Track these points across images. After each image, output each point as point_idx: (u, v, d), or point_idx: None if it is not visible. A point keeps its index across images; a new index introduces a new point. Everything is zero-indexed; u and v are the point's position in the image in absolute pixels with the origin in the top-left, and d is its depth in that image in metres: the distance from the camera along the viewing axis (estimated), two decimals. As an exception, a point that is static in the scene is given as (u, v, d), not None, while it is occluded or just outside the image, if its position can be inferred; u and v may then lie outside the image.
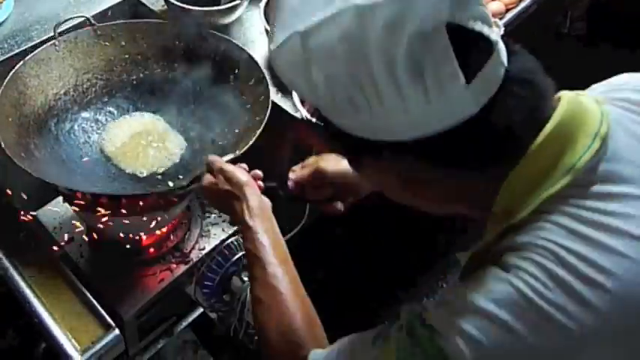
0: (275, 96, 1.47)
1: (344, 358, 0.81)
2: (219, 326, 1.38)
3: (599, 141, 0.70)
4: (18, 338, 1.79)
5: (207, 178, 1.05)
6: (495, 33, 0.68)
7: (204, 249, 1.40)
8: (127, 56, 1.43)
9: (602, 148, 0.70)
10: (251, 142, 1.18)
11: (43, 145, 1.28)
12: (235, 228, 1.33)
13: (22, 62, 1.30)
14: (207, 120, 1.37)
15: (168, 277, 1.34)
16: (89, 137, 1.38)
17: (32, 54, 1.33)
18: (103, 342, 1.21)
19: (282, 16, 0.71)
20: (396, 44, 0.63)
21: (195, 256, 1.39)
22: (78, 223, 1.36)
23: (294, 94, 1.45)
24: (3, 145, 1.14)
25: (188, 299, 1.39)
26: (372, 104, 0.67)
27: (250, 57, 1.37)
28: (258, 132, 1.22)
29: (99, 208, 1.21)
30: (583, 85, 0.86)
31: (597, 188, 0.69)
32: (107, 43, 1.41)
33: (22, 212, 1.35)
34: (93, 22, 1.41)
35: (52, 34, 1.36)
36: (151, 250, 1.37)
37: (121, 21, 1.46)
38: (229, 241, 1.30)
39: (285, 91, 1.48)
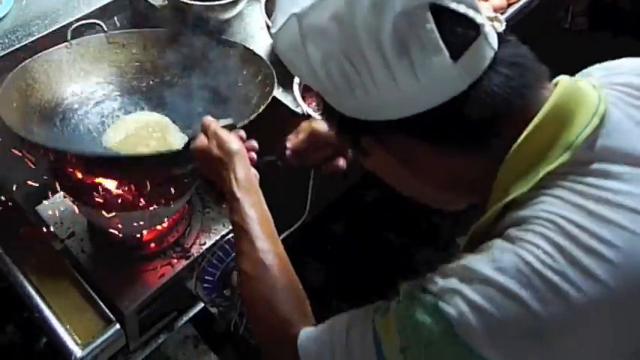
0: (276, 91, 1.47)
1: (339, 333, 0.79)
2: (219, 321, 1.38)
3: (597, 118, 0.71)
4: (18, 333, 1.79)
5: (201, 139, 1.03)
6: (481, 17, 0.70)
7: (204, 244, 1.41)
8: (137, 64, 1.44)
9: (601, 125, 0.71)
10: (252, 117, 1.16)
11: (44, 132, 1.28)
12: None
13: (32, 58, 1.31)
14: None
15: (168, 272, 1.34)
16: (93, 135, 1.38)
17: (44, 52, 1.34)
18: (104, 337, 1.22)
19: (282, 2, 0.76)
20: (382, 23, 0.67)
21: (195, 251, 1.39)
22: (79, 218, 1.37)
23: (295, 90, 1.45)
24: (2, 117, 1.14)
25: (189, 294, 1.39)
26: (364, 82, 0.71)
27: (258, 56, 1.37)
28: (262, 108, 1.21)
29: (91, 181, 1.20)
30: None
31: (596, 166, 0.70)
32: (118, 51, 1.43)
33: (22, 207, 1.35)
34: (105, 29, 1.43)
35: (52, 29, 1.38)
36: (152, 245, 1.37)
37: (134, 30, 1.47)
38: (230, 236, 1.30)
39: (286, 85, 1.48)
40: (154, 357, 1.60)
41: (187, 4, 1.52)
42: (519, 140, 0.71)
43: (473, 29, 0.69)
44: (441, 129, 0.71)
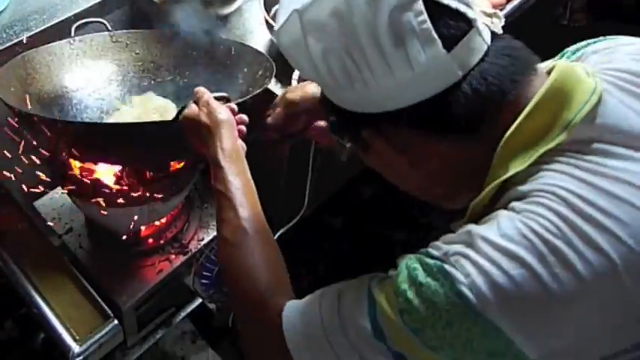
0: (274, 86, 1.47)
1: (329, 300, 0.78)
2: (217, 317, 1.39)
3: (596, 96, 0.72)
4: (17, 329, 1.79)
5: (192, 108, 1.02)
6: (473, 13, 0.73)
7: (202, 240, 1.41)
8: (140, 63, 1.44)
9: (599, 103, 0.73)
10: (247, 98, 1.15)
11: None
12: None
13: (34, 49, 1.31)
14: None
15: (166, 267, 1.34)
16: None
17: (47, 45, 1.34)
18: (102, 332, 1.21)
19: (284, 0, 0.79)
20: (378, 17, 0.70)
21: (193, 247, 1.39)
22: (77, 214, 1.36)
23: (294, 84, 1.45)
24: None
25: (187, 290, 1.39)
26: (363, 75, 0.73)
27: (258, 52, 1.37)
28: (259, 90, 1.21)
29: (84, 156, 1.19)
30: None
31: (595, 145, 0.72)
32: (121, 50, 1.43)
33: (20, 202, 1.35)
34: (109, 27, 1.44)
35: (50, 24, 1.37)
36: (150, 240, 1.37)
37: (137, 30, 1.47)
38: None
39: (284, 81, 1.47)
40: (151, 352, 1.60)
41: (186, -1, 1.52)
42: (518, 121, 0.72)
43: (465, 22, 0.72)
44: (438, 118, 0.73)
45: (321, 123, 1.16)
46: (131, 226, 1.33)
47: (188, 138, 1.03)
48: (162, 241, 1.38)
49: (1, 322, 1.79)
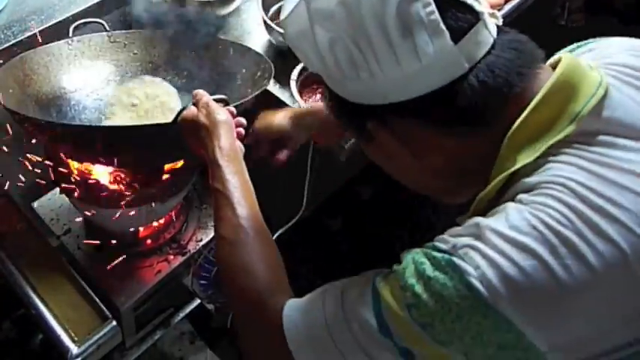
0: (273, 87, 1.47)
1: (332, 297, 0.77)
2: (216, 317, 1.38)
3: (602, 90, 0.73)
4: (15, 330, 1.79)
5: (191, 109, 1.03)
6: (480, 6, 0.73)
7: (201, 240, 1.40)
8: (138, 63, 1.44)
9: (605, 97, 0.73)
10: (245, 100, 1.16)
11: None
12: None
13: (32, 50, 1.31)
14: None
15: (165, 268, 1.34)
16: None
17: (45, 46, 1.34)
18: (100, 333, 1.21)
19: None
20: (386, 6, 0.70)
21: (192, 247, 1.39)
22: (75, 215, 1.36)
23: (292, 86, 1.45)
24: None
25: (185, 291, 1.39)
26: (370, 64, 0.73)
27: (256, 53, 1.37)
28: (257, 92, 1.21)
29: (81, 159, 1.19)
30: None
31: (602, 138, 0.72)
32: (119, 50, 1.43)
33: (18, 203, 1.34)
34: (107, 28, 1.44)
35: (48, 24, 1.37)
36: (148, 241, 1.37)
37: (135, 30, 1.47)
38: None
39: (282, 82, 1.48)
40: (150, 353, 1.60)
41: (184, -1, 1.52)
42: (525, 113, 0.72)
43: (472, 15, 0.72)
44: (444, 110, 0.73)
45: (283, 155, 1.19)
46: (129, 227, 1.33)
47: (186, 139, 1.03)
48: (160, 242, 1.38)
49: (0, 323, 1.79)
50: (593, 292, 0.66)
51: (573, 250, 0.65)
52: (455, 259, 0.68)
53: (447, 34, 0.70)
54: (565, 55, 0.77)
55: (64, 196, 1.31)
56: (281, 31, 1.49)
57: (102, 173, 1.29)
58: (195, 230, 1.42)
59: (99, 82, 1.41)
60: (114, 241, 1.35)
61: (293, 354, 0.77)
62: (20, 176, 1.31)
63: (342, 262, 2.19)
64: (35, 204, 1.39)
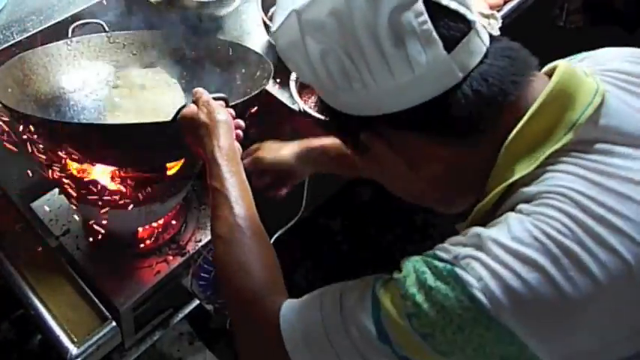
0: (272, 88, 1.47)
1: (330, 300, 0.76)
2: (215, 318, 1.38)
3: (599, 97, 0.72)
4: (13, 330, 1.79)
5: (191, 107, 1.03)
6: (472, 15, 0.73)
7: (200, 241, 1.40)
8: (137, 64, 1.44)
9: (602, 104, 0.72)
10: (245, 99, 1.16)
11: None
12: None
13: (31, 50, 1.31)
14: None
15: (164, 269, 1.34)
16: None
17: (44, 46, 1.34)
18: (100, 334, 1.21)
19: (281, 2, 0.77)
20: (378, 17, 0.69)
21: (191, 248, 1.39)
22: (74, 215, 1.36)
23: (292, 87, 1.45)
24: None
25: (184, 291, 1.39)
26: (362, 76, 0.72)
27: (255, 53, 1.37)
28: (256, 92, 1.21)
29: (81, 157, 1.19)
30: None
31: (599, 146, 0.71)
32: (118, 50, 1.43)
33: (17, 204, 1.34)
34: (107, 28, 1.43)
35: (47, 25, 1.38)
36: (148, 242, 1.37)
37: (135, 31, 1.47)
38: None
39: (282, 83, 1.47)
40: (149, 354, 1.60)
41: (184, 0, 1.52)
42: (521, 122, 0.72)
43: (464, 24, 0.72)
44: (438, 121, 0.72)
45: (283, 191, 1.21)
46: (128, 228, 1.33)
47: (185, 137, 1.03)
48: (159, 243, 1.37)
49: (-2, 324, 1.79)
50: (596, 304, 0.65)
51: (576, 262, 0.65)
52: (457, 269, 0.67)
53: (440, 43, 0.70)
54: (561, 63, 0.76)
55: (62, 196, 1.31)
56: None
57: (101, 173, 1.29)
58: (195, 231, 1.42)
59: (98, 83, 1.41)
60: (113, 242, 1.35)
61: (289, 354, 0.77)
62: (19, 176, 1.30)
63: (342, 263, 2.19)
64: (34, 204, 1.39)
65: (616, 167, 0.69)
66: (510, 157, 0.72)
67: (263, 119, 1.25)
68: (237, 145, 1.00)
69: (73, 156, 1.19)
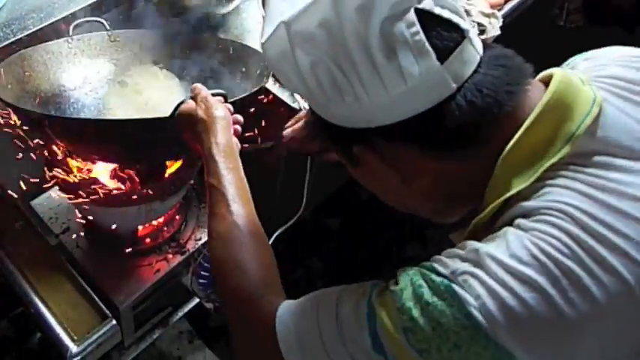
0: (272, 86, 1.47)
1: (326, 306, 0.75)
2: (215, 317, 1.38)
3: (597, 107, 0.71)
4: (12, 328, 1.79)
5: (189, 103, 1.02)
6: (465, 24, 0.71)
7: (200, 239, 1.40)
8: (137, 62, 1.44)
9: (600, 115, 0.71)
10: (244, 95, 1.15)
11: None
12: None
13: (32, 47, 1.31)
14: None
15: (164, 267, 1.34)
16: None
17: (45, 43, 1.34)
18: (100, 332, 1.21)
19: (270, 12, 0.76)
20: (369, 27, 0.68)
21: (191, 246, 1.39)
22: (74, 214, 1.36)
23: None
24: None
25: (184, 290, 1.39)
26: (354, 88, 0.70)
27: (258, 52, 1.37)
28: (256, 89, 1.21)
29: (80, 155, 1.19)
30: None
31: (597, 158, 0.70)
32: (119, 49, 1.43)
33: (17, 202, 1.34)
34: (108, 27, 1.44)
35: (48, 22, 1.37)
36: (147, 240, 1.37)
37: (136, 30, 1.47)
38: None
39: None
40: (148, 352, 1.60)
41: (184, -2, 1.52)
42: (518, 134, 0.70)
43: (458, 33, 0.70)
44: (432, 133, 0.71)
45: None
46: (128, 226, 1.33)
47: (183, 133, 1.02)
48: (159, 241, 1.38)
49: (-2, 322, 1.79)
50: (596, 324, 0.64)
51: (575, 282, 0.64)
52: (454, 286, 0.66)
53: (432, 54, 0.68)
54: (557, 71, 0.74)
55: (62, 194, 1.31)
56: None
57: (101, 171, 1.29)
58: (194, 229, 1.42)
59: (98, 81, 1.40)
60: (113, 240, 1.35)
61: (283, 355, 0.76)
62: (19, 174, 1.30)
63: (341, 262, 2.19)
64: (34, 202, 1.39)
65: (616, 182, 0.68)
66: (508, 170, 0.71)
67: (263, 118, 1.25)
68: (235, 140, 1.00)
69: (72, 153, 1.19)
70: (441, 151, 0.72)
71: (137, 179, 1.27)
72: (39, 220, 1.37)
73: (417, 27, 0.68)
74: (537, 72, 0.78)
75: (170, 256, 1.36)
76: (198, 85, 1.05)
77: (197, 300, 1.47)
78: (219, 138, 0.96)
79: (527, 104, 0.71)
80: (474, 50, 0.71)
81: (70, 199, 1.28)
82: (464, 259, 0.68)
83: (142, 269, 1.33)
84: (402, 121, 0.71)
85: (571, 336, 0.64)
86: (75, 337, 1.20)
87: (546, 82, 0.73)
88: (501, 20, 1.61)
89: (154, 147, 1.18)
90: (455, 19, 0.70)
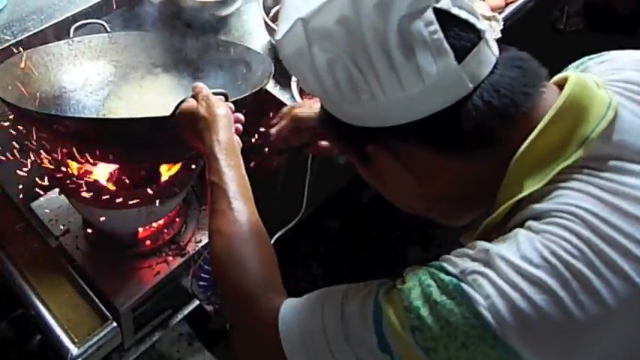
0: (273, 88, 1.47)
1: (332, 304, 0.74)
2: (215, 319, 1.38)
3: (612, 112, 0.70)
4: (12, 330, 1.78)
5: (190, 101, 1.02)
6: (481, 24, 0.71)
7: (200, 242, 1.40)
8: (138, 64, 1.44)
9: (615, 119, 0.70)
10: (245, 95, 1.16)
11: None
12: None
13: (33, 49, 1.31)
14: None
15: (164, 269, 1.34)
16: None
17: (45, 45, 1.34)
18: (101, 334, 1.21)
19: (285, 9, 0.75)
20: (388, 25, 0.67)
21: (191, 248, 1.39)
22: (74, 215, 1.36)
23: (293, 86, 1.45)
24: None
25: (184, 292, 1.39)
26: (371, 85, 0.70)
27: (258, 54, 1.38)
28: (257, 89, 1.21)
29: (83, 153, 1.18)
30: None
31: (612, 163, 0.69)
32: (119, 51, 1.43)
33: (18, 204, 1.34)
34: (108, 29, 1.44)
35: (48, 24, 1.38)
36: (147, 242, 1.37)
37: (136, 32, 1.47)
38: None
39: (283, 83, 1.48)
40: (148, 354, 1.60)
41: (185, 0, 1.52)
42: (532, 136, 0.70)
43: (474, 33, 0.70)
44: (448, 133, 0.71)
45: (324, 142, 1.17)
46: (128, 228, 1.33)
47: (184, 131, 1.02)
48: (159, 243, 1.37)
49: (-3, 324, 1.78)
50: (605, 328, 0.64)
51: (586, 285, 0.63)
52: (463, 285, 0.65)
53: (451, 53, 0.68)
54: (571, 75, 0.74)
55: (63, 196, 1.31)
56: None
57: (101, 173, 1.29)
58: (195, 231, 1.42)
59: (99, 83, 1.41)
60: (113, 242, 1.35)
61: (286, 355, 0.76)
62: (19, 176, 1.30)
63: (341, 264, 2.19)
64: (34, 204, 1.39)
65: (630, 187, 0.67)
66: (520, 171, 0.70)
67: (264, 120, 1.25)
68: (236, 138, 1.00)
69: (73, 153, 1.18)
70: (456, 151, 0.72)
71: (137, 182, 1.27)
72: (39, 222, 1.37)
73: (436, 26, 0.68)
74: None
75: (170, 258, 1.36)
76: (199, 84, 1.05)
77: (197, 302, 1.46)
78: (221, 136, 0.96)
79: (542, 106, 0.71)
80: (490, 51, 0.71)
81: (70, 201, 1.28)
82: (473, 259, 0.68)
83: (142, 271, 1.33)
84: (417, 120, 0.70)
85: (579, 338, 0.64)
86: (75, 339, 1.19)
87: (560, 86, 0.73)
88: (502, 23, 1.61)
89: (156, 147, 1.18)
90: (472, 19, 0.71)
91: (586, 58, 0.86)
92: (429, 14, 0.68)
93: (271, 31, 1.53)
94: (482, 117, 0.69)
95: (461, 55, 0.69)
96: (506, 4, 1.75)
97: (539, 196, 0.70)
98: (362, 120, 0.74)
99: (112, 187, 1.27)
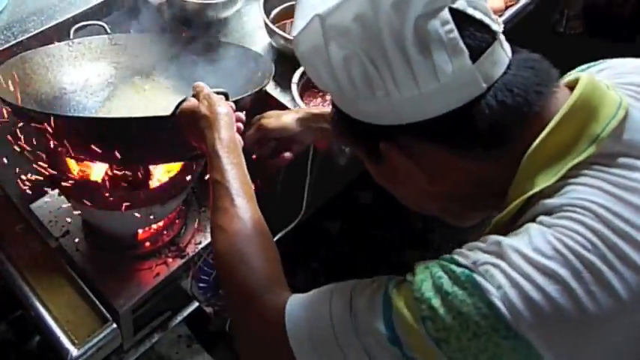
0: (274, 90, 1.47)
1: (340, 299, 0.74)
2: (215, 321, 1.38)
3: (623, 111, 0.71)
4: (11, 331, 1.78)
5: (191, 100, 1.02)
6: (496, 25, 0.72)
7: (200, 243, 1.40)
8: (138, 66, 1.44)
9: (626, 119, 0.71)
10: (245, 95, 1.16)
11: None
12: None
13: (33, 50, 1.32)
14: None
15: (164, 271, 1.34)
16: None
17: (45, 46, 1.34)
18: (100, 336, 1.21)
19: (302, 7, 0.76)
20: (404, 23, 0.68)
21: (191, 250, 1.39)
22: (74, 217, 1.36)
23: (293, 89, 1.45)
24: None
25: (183, 294, 1.39)
26: (386, 82, 0.71)
27: (259, 55, 1.38)
28: (257, 90, 1.21)
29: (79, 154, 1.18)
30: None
31: (622, 160, 0.70)
32: (120, 52, 1.43)
33: (17, 205, 1.34)
34: (108, 31, 1.44)
35: (49, 25, 1.38)
36: (147, 244, 1.37)
37: (136, 34, 1.47)
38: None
39: (284, 85, 1.48)
40: (147, 356, 1.59)
41: (185, 2, 1.52)
42: (543, 134, 0.71)
43: (489, 34, 0.71)
44: (462, 131, 0.71)
45: (287, 155, 1.18)
46: (128, 230, 1.33)
47: (185, 130, 1.03)
48: (159, 245, 1.37)
49: (-4, 325, 1.78)
50: (617, 320, 0.64)
51: (598, 276, 0.64)
52: (475, 275, 0.66)
53: (466, 53, 0.69)
54: (583, 75, 0.75)
55: (62, 197, 1.31)
56: (282, 33, 1.49)
57: (101, 175, 1.29)
58: (194, 233, 1.42)
59: (99, 84, 1.41)
60: (113, 244, 1.35)
61: (294, 353, 0.75)
62: (19, 177, 1.30)
63: (341, 266, 2.19)
64: (34, 205, 1.39)
65: (637, 181, 0.68)
66: (531, 169, 0.71)
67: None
68: (238, 137, 1.00)
69: (74, 154, 1.18)
70: (469, 150, 0.73)
71: (137, 183, 1.27)
72: (39, 223, 1.37)
73: (452, 25, 0.69)
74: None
75: (170, 259, 1.36)
76: (200, 84, 1.05)
77: (196, 304, 1.46)
78: (223, 134, 0.96)
79: (554, 105, 0.72)
80: (503, 52, 0.72)
81: (69, 202, 1.28)
82: (485, 251, 0.68)
83: (141, 273, 1.33)
84: (431, 118, 0.71)
85: (591, 330, 0.64)
86: (75, 341, 1.19)
87: (571, 87, 0.74)
88: (502, 26, 1.61)
89: (157, 147, 1.18)
90: (486, 20, 0.71)
91: (585, 66, 0.87)
92: (445, 14, 0.68)
93: (272, 33, 1.53)
94: (496, 116, 0.70)
95: (475, 54, 0.69)
96: (507, 7, 1.75)
97: (550, 192, 0.70)
98: (376, 117, 0.74)
99: (111, 188, 1.27)
